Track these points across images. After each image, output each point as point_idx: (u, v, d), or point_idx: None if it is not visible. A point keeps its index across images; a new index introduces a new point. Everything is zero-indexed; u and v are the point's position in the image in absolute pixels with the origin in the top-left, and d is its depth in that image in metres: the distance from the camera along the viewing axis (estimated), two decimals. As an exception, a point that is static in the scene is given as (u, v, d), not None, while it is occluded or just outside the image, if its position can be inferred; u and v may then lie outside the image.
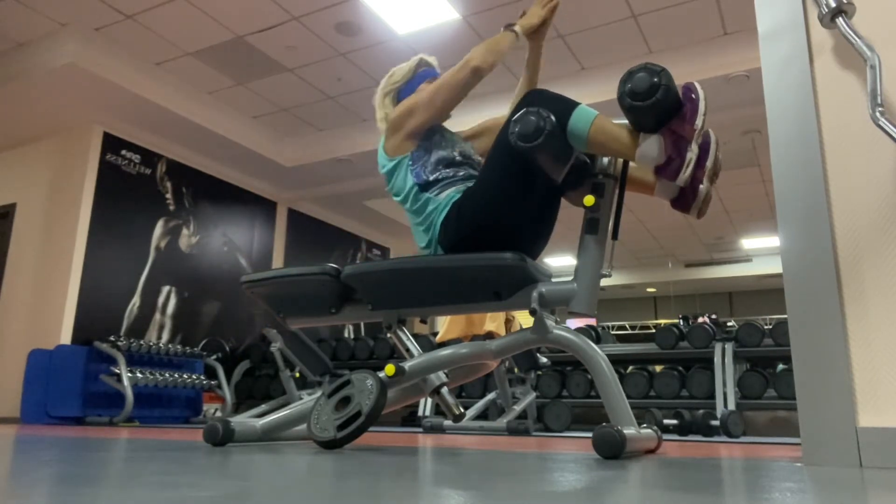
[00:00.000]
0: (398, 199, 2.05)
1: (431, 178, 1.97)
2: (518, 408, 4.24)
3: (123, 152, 5.95)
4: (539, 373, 4.93)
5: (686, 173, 1.58)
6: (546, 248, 2.04)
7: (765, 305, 12.26)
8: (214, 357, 6.06)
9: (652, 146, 1.61)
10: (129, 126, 5.91)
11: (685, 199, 1.69)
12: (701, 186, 1.62)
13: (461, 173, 1.99)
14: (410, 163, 2.00)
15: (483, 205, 1.83)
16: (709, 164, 1.62)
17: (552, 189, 1.87)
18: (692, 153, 1.58)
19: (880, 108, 1.36)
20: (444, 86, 1.95)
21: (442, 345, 3.62)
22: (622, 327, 13.36)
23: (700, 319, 6.44)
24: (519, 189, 1.79)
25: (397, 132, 2.01)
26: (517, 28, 1.99)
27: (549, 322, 1.72)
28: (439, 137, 2.04)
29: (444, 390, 2.00)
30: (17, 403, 5.16)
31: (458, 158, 2.01)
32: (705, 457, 1.71)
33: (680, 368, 4.85)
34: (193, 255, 6.48)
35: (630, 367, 5.12)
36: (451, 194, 1.93)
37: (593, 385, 4.85)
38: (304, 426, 1.94)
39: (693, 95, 1.61)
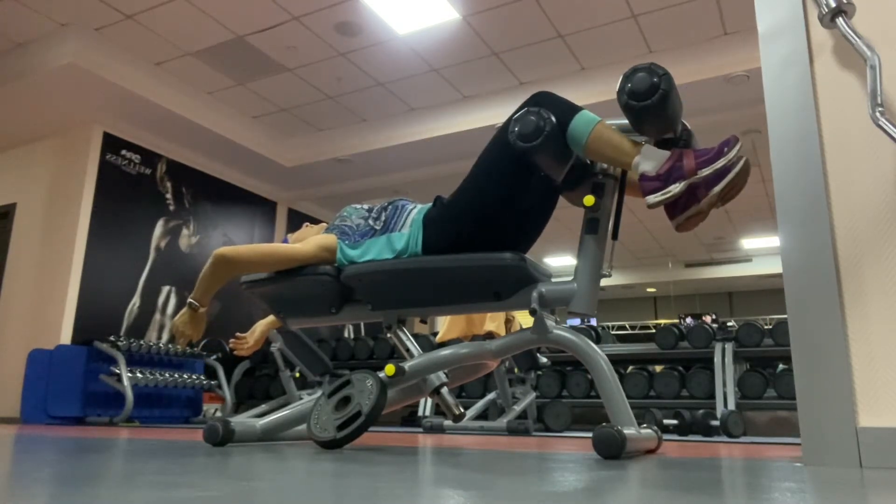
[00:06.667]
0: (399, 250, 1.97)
1: (376, 227, 2.00)
2: (518, 408, 4.24)
3: (123, 152, 5.95)
4: (539, 373, 4.93)
5: (657, 199, 1.53)
6: (546, 248, 2.03)
7: (765, 305, 12.27)
8: (214, 357, 6.06)
9: (653, 157, 1.56)
10: (129, 126, 5.91)
11: (674, 207, 1.61)
12: (694, 206, 1.55)
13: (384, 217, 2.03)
14: (347, 243, 2.01)
15: (473, 201, 1.82)
16: (704, 202, 1.52)
17: (548, 188, 1.86)
18: (677, 189, 1.52)
19: (880, 108, 1.36)
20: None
21: (442, 345, 3.62)
22: (622, 327, 13.36)
23: (689, 321, 6.42)
24: (511, 187, 1.78)
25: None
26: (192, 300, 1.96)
27: (549, 322, 1.72)
28: (340, 222, 2.09)
29: (444, 390, 2.00)
30: (17, 403, 5.16)
31: (371, 220, 2.04)
32: (705, 457, 1.71)
33: (680, 368, 4.85)
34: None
35: (630, 367, 5.11)
36: (414, 216, 1.94)
37: (593, 385, 4.85)
38: (304, 426, 1.94)
39: (725, 149, 1.50)
